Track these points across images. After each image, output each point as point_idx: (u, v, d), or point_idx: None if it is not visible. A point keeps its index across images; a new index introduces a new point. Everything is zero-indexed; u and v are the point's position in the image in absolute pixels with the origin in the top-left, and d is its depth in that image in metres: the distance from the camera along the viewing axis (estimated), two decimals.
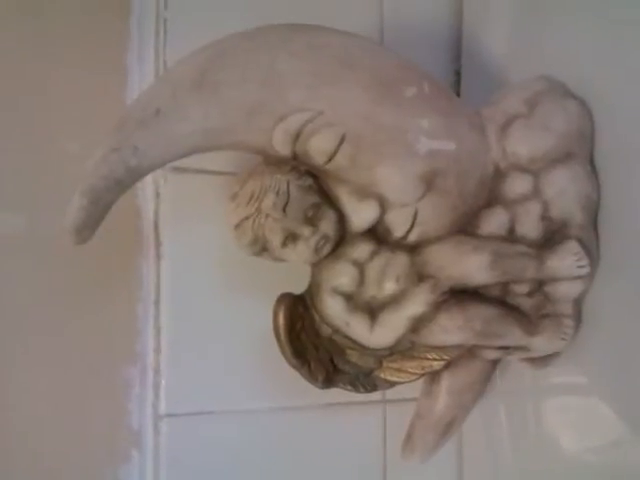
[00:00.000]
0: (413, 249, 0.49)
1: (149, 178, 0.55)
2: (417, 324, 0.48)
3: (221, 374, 0.57)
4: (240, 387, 0.57)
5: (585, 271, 0.47)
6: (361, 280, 0.49)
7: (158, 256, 0.56)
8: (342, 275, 0.49)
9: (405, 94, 0.47)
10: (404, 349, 0.51)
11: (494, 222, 0.49)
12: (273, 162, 0.48)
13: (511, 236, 0.49)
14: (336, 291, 0.49)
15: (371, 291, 0.49)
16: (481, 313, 0.48)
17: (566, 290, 0.49)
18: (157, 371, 0.56)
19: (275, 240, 0.48)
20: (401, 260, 0.49)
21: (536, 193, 0.48)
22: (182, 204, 0.57)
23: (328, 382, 0.51)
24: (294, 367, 0.50)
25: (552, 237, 0.49)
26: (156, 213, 0.56)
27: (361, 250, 0.49)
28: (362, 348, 0.50)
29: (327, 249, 0.49)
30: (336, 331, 0.50)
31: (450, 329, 0.48)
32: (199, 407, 0.57)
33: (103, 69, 0.56)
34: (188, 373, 0.56)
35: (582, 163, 0.49)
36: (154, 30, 0.57)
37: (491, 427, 0.59)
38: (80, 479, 0.54)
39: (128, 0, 0.57)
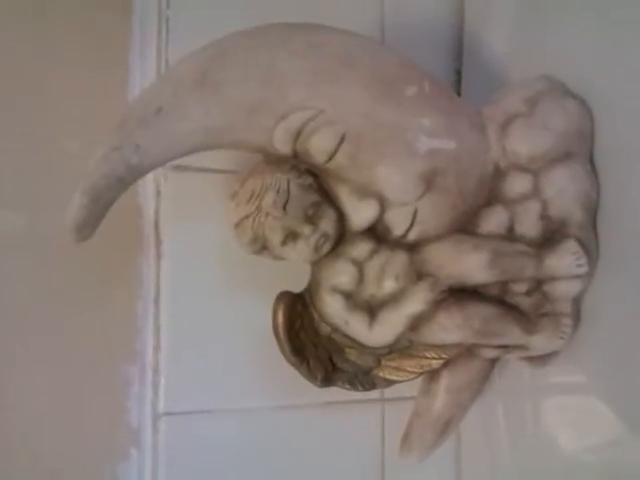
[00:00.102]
0: (412, 248, 0.49)
1: (150, 176, 0.55)
2: (416, 322, 0.48)
3: (220, 373, 0.57)
4: (239, 385, 0.57)
5: (584, 270, 0.47)
6: (360, 279, 0.49)
7: (158, 254, 0.56)
8: (341, 274, 0.49)
9: (405, 93, 0.47)
10: (403, 348, 0.51)
11: (494, 221, 0.49)
12: (273, 161, 0.49)
13: (510, 235, 0.49)
14: (335, 289, 0.49)
15: (370, 290, 0.49)
16: (480, 312, 0.48)
17: (565, 289, 0.49)
18: (156, 369, 0.56)
19: (275, 238, 0.48)
20: (400, 259, 0.49)
21: (536, 192, 0.49)
22: (183, 202, 0.57)
23: (327, 380, 0.51)
24: (293, 365, 0.50)
25: (551, 236, 0.49)
26: (157, 211, 0.56)
27: (361, 249, 0.49)
28: (361, 346, 0.51)
29: (327, 248, 0.49)
30: (335, 329, 0.50)
31: (449, 327, 0.48)
32: (198, 405, 0.57)
33: (105, 68, 0.56)
34: (187, 371, 0.56)
35: (582, 162, 0.49)
36: (156, 29, 0.57)
37: (489, 426, 0.59)
38: (79, 477, 0.54)
39: None
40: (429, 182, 0.47)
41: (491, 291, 0.50)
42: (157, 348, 0.56)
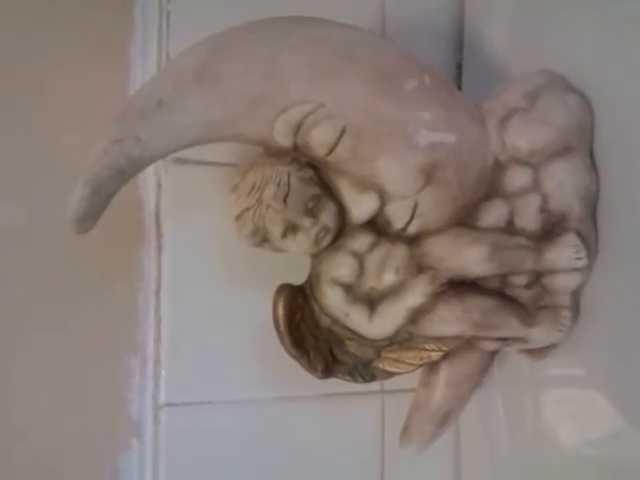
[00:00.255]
0: (412, 241, 0.49)
1: (150, 169, 0.55)
2: (416, 315, 0.49)
3: (221, 364, 0.57)
4: (239, 377, 0.58)
5: (583, 263, 0.48)
6: (360, 271, 0.49)
7: (159, 247, 0.56)
8: (342, 266, 0.50)
9: (406, 87, 0.47)
10: (403, 340, 0.51)
11: (493, 214, 0.49)
12: (274, 154, 0.49)
13: (510, 228, 0.49)
14: (336, 282, 0.50)
15: (370, 282, 0.49)
16: (479, 304, 0.49)
17: (564, 282, 0.49)
18: (157, 361, 0.56)
19: (275, 231, 0.49)
20: (400, 252, 0.49)
21: (535, 186, 0.49)
22: (183, 195, 0.57)
23: (327, 372, 0.51)
24: (293, 357, 0.50)
25: (551, 229, 0.49)
26: (157, 204, 0.57)
27: (361, 242, 0.49)
28: (361, 339, 0.51)
29: (327, 240, 0.49)
30: (335, 322, 0.51)
31: (449, 320, 0.48)
32: (199, 397, 0.57)
33: (106, 62, 0.56)
34: (188, 363, 0.56)
35: (581, 156, 0.49)
36: (157, 23, 0.57)
37: (488, 418, 0.60)
38: (80, 468, 0.54)
39: None
40: (429, 175, 0.47)
41: (491, 284, 0.50)
42: (158, 340, 0.56)
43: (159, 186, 0.57)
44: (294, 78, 0.46)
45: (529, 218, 0.49)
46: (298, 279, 0.51)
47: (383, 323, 0.49)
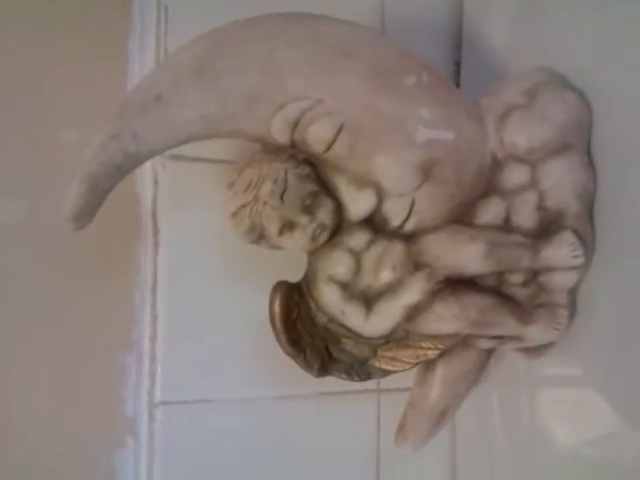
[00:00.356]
0: (410, 238, 0.49)
1: (147, 165, 0.55)
2: (412, 313, 0.48)
3: (217, 362, 0.57)
4: (235, 375, 0.58)
5: (580, 261, 0.48)
6: (357, 269, 0.49)
7: (156, 243, 0.56)
8: (338, 264, 0.49)
9: (404, 83, 0.47)
10: (399, 338, 0.51)
11: (490, 212, 0.49)
12: (271, 150, 0.48)
13: (507, 226, 0.49)
14: (332, 279, 0.49)
15: (367, 280, 0.49)
16: (476, 302, 0.48)
17: (561, 280, 0.49)
18: (153, 359, 0.56)
19: (272, 228, 0.48)
20: (397, 249, 0.49)
21: (533, 183, 0.49)
22: (180, 192, 0.57)
23: (323, 370, 0.51)
24: (290, 355, 0.50)
25: (548, 227, 0.49)
26: (154, 200, 0.56)
27: (358, 239, 0.49)
28: (357, 337, 0.51)
29: (324, 237, 0.49)
30: (332, 319, 0.51)
31: (445, 318, 0.48)
32: (194, 395, 0.57)
33: (104, 57, 0.56)
34: (184, 361, 0.56)
35: (579, 154, 0.49)
36: (155, 18, 0.57)
37: (485, 416, 0.60)
38: (75, 465, 0.54)
39: None
40: (427, 172, 0.47)
41: (487, 282, 0.50)
42: (154, 337, 0.56)
43: (156, 182, 0.56)
44: (292, 74, 0.46)
45: (526, 216, 0.49)
46: (295, 276, 0.51)
47: (380, 321, 0.49)
